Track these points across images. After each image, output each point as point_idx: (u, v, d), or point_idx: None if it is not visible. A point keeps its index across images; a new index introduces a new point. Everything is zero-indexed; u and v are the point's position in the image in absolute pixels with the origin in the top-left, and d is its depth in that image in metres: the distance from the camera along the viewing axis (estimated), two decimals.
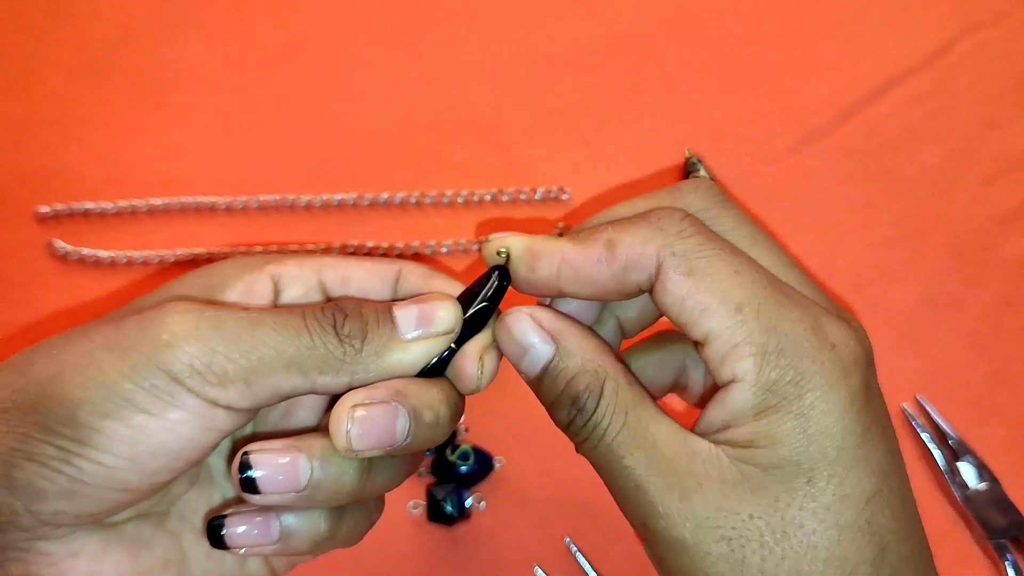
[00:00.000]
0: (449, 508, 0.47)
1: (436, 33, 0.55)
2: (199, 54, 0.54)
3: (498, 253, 0.30)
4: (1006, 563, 0.47)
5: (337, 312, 0.28)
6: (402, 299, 0.31)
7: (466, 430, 0.50)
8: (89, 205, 0.51)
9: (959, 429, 0.50)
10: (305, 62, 0.54)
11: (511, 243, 0.30)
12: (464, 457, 0.48)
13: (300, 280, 0.31)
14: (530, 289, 0.30)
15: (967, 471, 0.49)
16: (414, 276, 0.32)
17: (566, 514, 0.49)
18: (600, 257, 0.28)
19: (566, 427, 0.28)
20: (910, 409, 0.50)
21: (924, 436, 0.49)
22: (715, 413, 0.27)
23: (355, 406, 0.27)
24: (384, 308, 0.29)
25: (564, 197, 0.53)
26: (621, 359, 0.29)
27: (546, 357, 0.29)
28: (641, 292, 0.29)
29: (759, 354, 0.26)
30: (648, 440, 0.27)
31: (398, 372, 0.29)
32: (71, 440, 0.26)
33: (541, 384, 0.29)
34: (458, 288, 0.31)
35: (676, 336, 0.33)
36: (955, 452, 0.49)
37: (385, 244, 0.51)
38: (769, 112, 0.54)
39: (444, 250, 0.52)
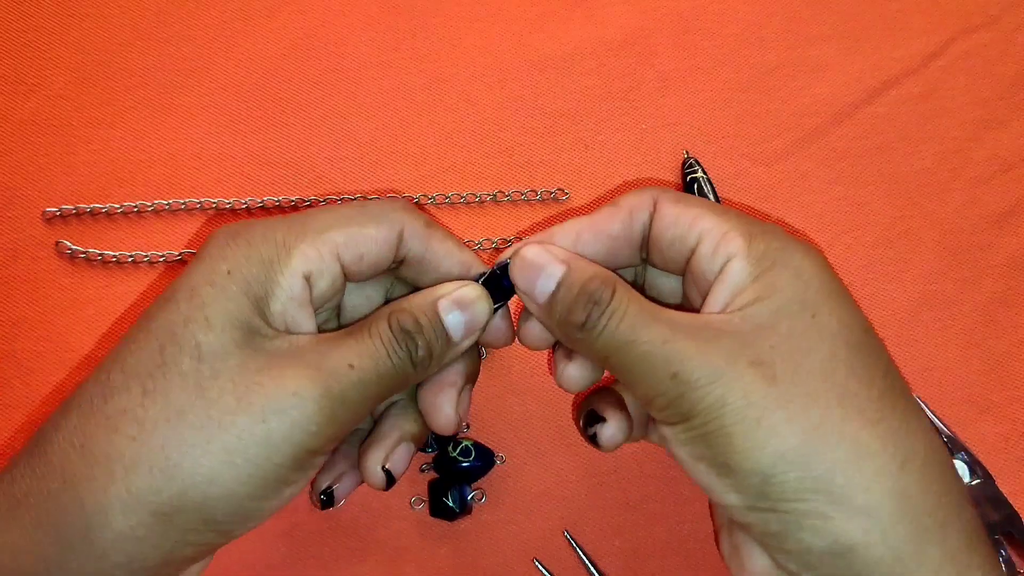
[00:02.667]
0: (451, 503, 0.47)
1: (437, 36, 0.55)
2: (206, 56, 0.55)
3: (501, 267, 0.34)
4: (999, 559, 0.48)
5: (410, 343, 0.31)
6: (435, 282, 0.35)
7: (467, 427, 0.51)
8: (96, 205, 0.52)
9: (953, 426, 0.50)
10: (309, 65, 0.55)
11: (528, 241, 0.34)
12: (465, 453, 0.48)
13: (326, 272, 0.32)
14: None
15: (961, 468, 0.49)
16: (415, 240, 0.34)
17: (565, 509, 0.50)
18: (609, 212, 0.33)
19: (582, 325, 0.30)
20: None
21: None
22: (717, 293, 0.31)
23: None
24: (438, 323, 0.32)
25: (564, 198, 0.54)
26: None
27: (559, 274, 0.32)
28: (643, 243, 0.34)
29: (745, 235, 0.31)
30: (665, 316, 0.30)
31: (452, 361, 0.34)
32: (234, 524, 0.29)
33: (554, 299, 0.31)
34: (450, 248, 0.35)
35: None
36: (949, 449, 0.50)
37: None
38: (765, 114, 0.55)
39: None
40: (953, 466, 0.30)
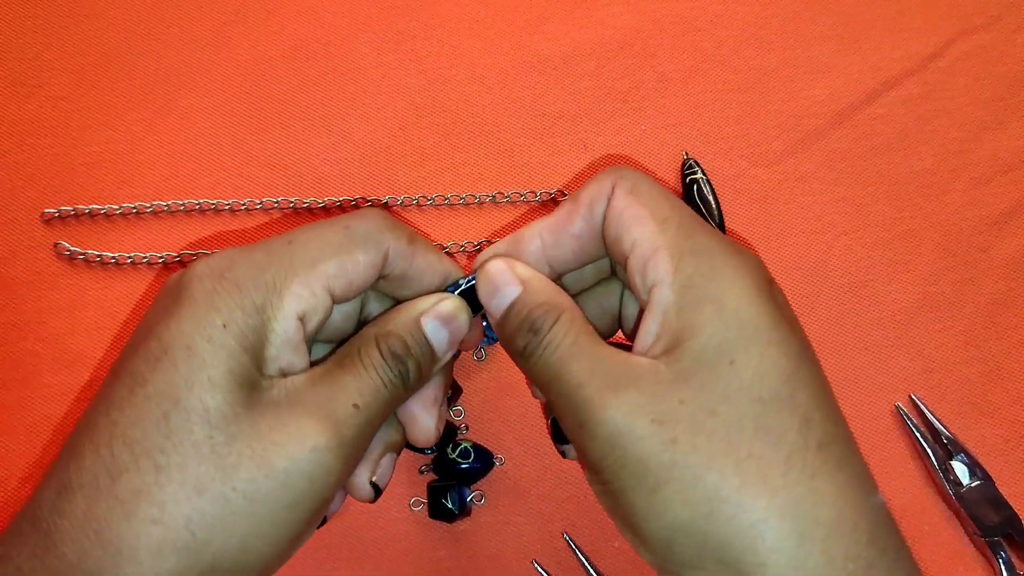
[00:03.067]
0: (450, 505, 0.47)
1: (437, 37, 0.55)
2: (205, 57, 0.55)
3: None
4: (999, 560, 0.48)
5: (401, 367, 0.31)
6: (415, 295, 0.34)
7: (466, 428, 0.51)
8: (95, 206, 0.52)
9: (952, 427, 0.50)
10: (309, 66, 0.55)
11: (496, 248, 0.34)
12: (464, 455, 0.48)
13: (319, 308, 0.31)
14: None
15: (960, 469, 0.49)
16: (399, 259, 0.33)
17: (564, 510, 0.50)
18: (569, 209, 0.32)
19: (520, 352, 0.31)
20: (904, 408, 0.51)
21: (917, 435, 0.50)
22: (647, 323, 0.29)
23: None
24: (423, 341, 0.32)
25: (563, 199, 0.54)
26: (579, 306, 0.32)
27: (513, 295, 0.31)
28: (599, 232, 0.32)
29: (675, 256, 0.29)
30: (592, 354, 0.29)
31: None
32: None
33: (507, 318, 0.31)
34: (432, 261, 0.35)
35: (615, 279, 0.36)
36: (948, 450, 0.50)
37: None
38: (764, 115, 0.55)
39: (444, 251, 0.52)
40: (880, 525, 0.27)
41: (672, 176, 0.54)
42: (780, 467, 0.26)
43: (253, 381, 0.29)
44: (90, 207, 0.52)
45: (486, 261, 0.33)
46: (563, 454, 0.36)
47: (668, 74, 0.55)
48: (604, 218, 0.32)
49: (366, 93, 0.55)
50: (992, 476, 0.49)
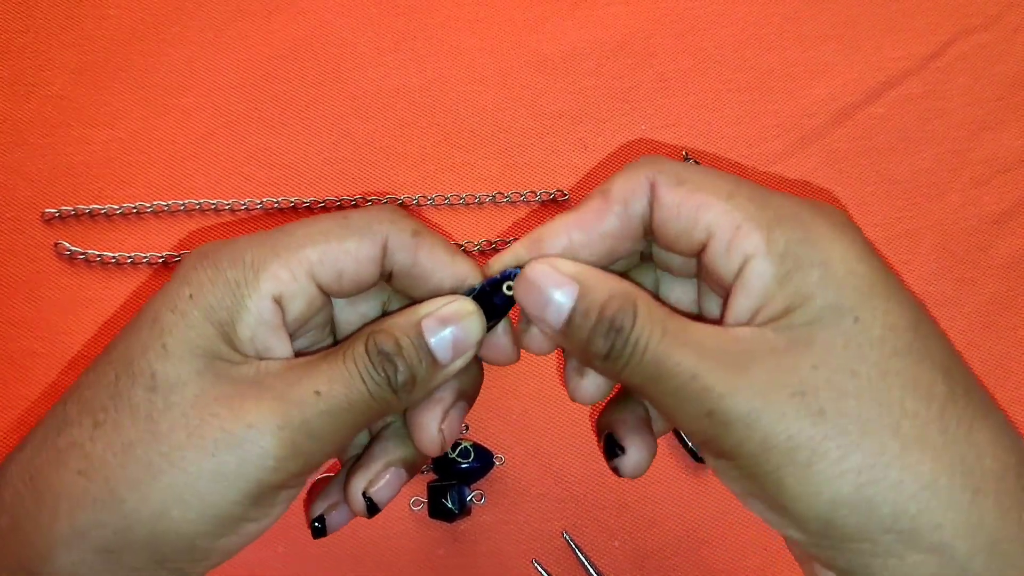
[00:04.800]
0: (450, 504, 0.47)
1: (437, 37, 0.55)
2: (204, 57, 0.55)
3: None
4: None
5: (388, 366, 0.29)
6: (418, 300, 0.31)
7: (466, 428, 0.51)
8: (95, 206, 0.52)
9: None
10: (308, 65, 0.55)
11: (515, 250, 0.31)
12: (464, 454, 0.48)
13: (300, 293, 0.30)
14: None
15: None
16: (401, 252, 0.31)
17: (564, 510, 0.50)
18: (599, 206, 0.29)
19: (605, 357, 0.27)
20: None
21: None
22: (740, 301, 0.27)
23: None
24: (421, 344, 0.29)
25: (563, 199, 0.54)
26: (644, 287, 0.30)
27: (571, 299, 0.28)
28: (645, 231, 0.30)
29: (763, 227, 0.27)
30: (692, 339, 0.27)
31: (442, 384, 0.31)
32: (187, 562, 0.27)
33: (570, 327, 0.28)
34: (441, 258, 0.32)
35: (642, 265, 0.33)
36: None
37: None
38: (764, 115, 0.55)
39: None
40: None
41: None
42: (936, 423, 0.25)
43: (217, 354, 0.28)
44: (90, 207, 0.52)
45: (524, 267, 0.30)
46: (616, 471, 0.32)
47: (668, 74, 0.55)
48: (651, 216, 0.29)
49: (366, 92, 0.55)
50: None
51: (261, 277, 0.29)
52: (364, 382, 0.28)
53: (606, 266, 0.31)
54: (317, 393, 0.28)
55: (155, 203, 0.52)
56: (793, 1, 0.56)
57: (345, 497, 0.33)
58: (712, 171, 0.29)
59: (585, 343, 0.28)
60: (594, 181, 0.54)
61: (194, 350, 0.28)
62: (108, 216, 0.52)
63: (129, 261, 0.52)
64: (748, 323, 0.27)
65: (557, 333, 0.29)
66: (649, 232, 0.30)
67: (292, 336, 0.31)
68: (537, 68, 0.55)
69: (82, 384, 0.28)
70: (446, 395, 0.32)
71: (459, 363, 0.30)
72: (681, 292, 0.33)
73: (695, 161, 0.53)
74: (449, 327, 0.30)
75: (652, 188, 0.29)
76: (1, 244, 0.52)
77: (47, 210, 0.52)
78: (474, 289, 0.31)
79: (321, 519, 0.33)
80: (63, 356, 0.51)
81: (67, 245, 0.51)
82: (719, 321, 0.29)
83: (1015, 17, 0.56)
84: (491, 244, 0.53)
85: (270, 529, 0.49)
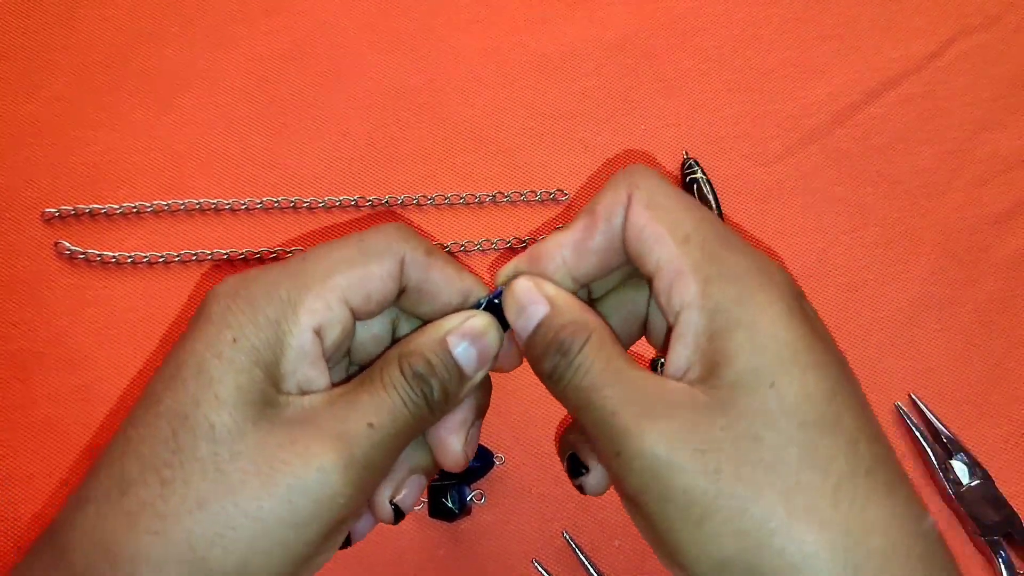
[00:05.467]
0: (450, 504, 0.47)
1: (436, 37, 0.55)
2: (205, 57, 0.55)
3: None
4: (999, 559, 0.48)
5: (425, 387, 0.30)
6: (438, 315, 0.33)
7: None
8: (95, 206, 0.52)
9: (952, 427, 0.50)
10: (309, 66, 0.55)
11: (515, 264, 0.33)
12: None
13: (337, 322, 0.31)
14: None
15: (960, 468, 0.49)
16: (415, 269, 0.32)
17: (564, 510, 0.50)
18: (587, 224, 0.31)
19: (549, 374, 0.30)
20: (904, 407, 0.51)
21: (917, 434, 0.50)
22: (676, 348, 0.28)
23: None
24: (449, 360, 0.31)
25: (563, 199, 0.54)
26: (607, 323, 0.31)
27: (541, 315, 0.30)
28: (621, 244, 0.31)
29: (700, 280, 0.28)
30: (626, 378, 0.28)
31: (468, 396, 0.33)
32: None
33: (534, 338, 0.30)
34: (450, 275, 0.33)
35: (640, 281, 0.34)
36: (948, 450, 0.50)
37: None
38: (764, 115, 0.55)
39: (445, 251, 0.52)
40: (932, 550, 0.26)
41: (672, 176, 0.54)
42: (829, 497, 0.26)
43: (267, 397, 0.28)
44: (90, 207, 0.52)
45: (511, 279, 0.32)
46: (580, 489, 0.34)
47: (668, 74, 0.55)
48: (624, 231, 0.30)
49: (366, 92, 0.55)
50: (992, 475, 0.49)
51: (300, 312, 0.30)
52: (406, 405, 0.30)
53: (602, 277, 0.32)
54: (370, 425, 0.29)
55: (155, 203, 0.52)
56: (793, 1, 0.56)
57: (371, 506, 0.33)
58: (685, 201, 0.30)
59: (538, 358, 0.30)
60: (594, 181, 0.54)
61: (246, 397, 0.28)
62: (108, 216, 0.52)
63: (129, 261, 0.52)
64: (682, 377, 0.28)
65: (524, 345, 0.31)
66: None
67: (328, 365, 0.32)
68: (537, 68, 0.55)
69: (133, 439, 0.28)
70: (466, 414, 0.33)
71: (480, 374, 0.32)
72: (663, 319, 0.34)
73: (695, 161, 0.53)
74: (472, 341, 0.31)
75: (628, 202, 0.30)
76: (1, 244, 0.52)
77: (47, 210, 0.52)
78: (481, 302, 0.33)
79: (395, 506, 0.34)
80: (63, 356, 0.50)
81: (67, 245, 0.51)
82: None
83: (1015, 17, 0.56)
84: (491, 244, 0.53)
85: None
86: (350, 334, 0.32)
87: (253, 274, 0.30)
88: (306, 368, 0.30)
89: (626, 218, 0.30)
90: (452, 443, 0.33)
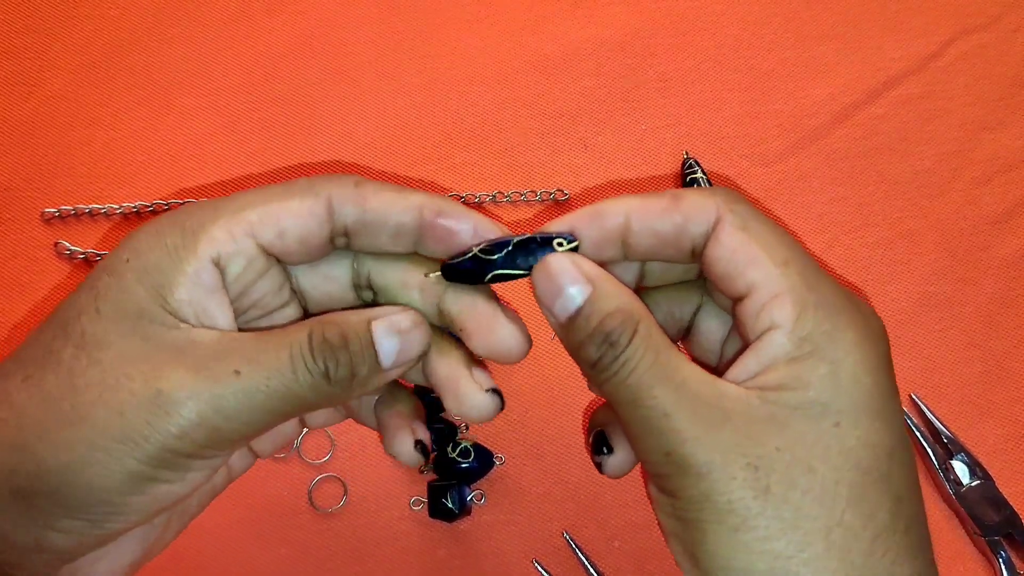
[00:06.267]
0: (450, 504, 0.47)
1: (437, 37, 0.55)
2: (205, 56, 0.55)
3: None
4: (999, 560, 0.48)
5: (328, 358, 0.29)
6: (369, 303, 0.32)
7: (466, 428, 0.51)
8: (95, 206, 0.52)
9: (953, 427, 0.50)
10: (309, 65, 0.55)
11: (571, 220, 0.31)
12: (465, 454, 0.48)
13: (240, 254, 0.30)
14: (597, 243, 0.31)
15: (961, 469, 0.49)
16: (346, 205, 0.31)
17: (565, 510, 0.50)
18: (665, 206, 0.30)
19: (592, 364, 0.28)
20: (904, 407, 0.51)
21: (918, 434, 0.50)
22: (748, 362, 0.28)
23: None
24: (367, 343, 0.30)
25: (563, 198, 0.54)
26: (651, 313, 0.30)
27: (581, 298, 0.29)
28: (693, 252, 0.30)
29: (798, 304, 0.28)
30: (678, 376, 0.28)
31: (379, 388, 0.31)
32: (99, 514, 0.28)
33: (573, 324, 0.29)
34: (390, 198, 0.31)
35: (694, 283, 0.33)
36: (949, 450, 0.50)
37: None
38: (765, 115, 0.55)
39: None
40: None
41: (672, 176, 0.54)
42: (866, 544, 0.26)
43: (149, 317, 0.28)
44: (90, 206, 0.52)
45: (547, 257, 0.30)
46: (599, 467, 0.33)
47: (668, 74, 0.55)
48: (705, 247, 0.30)
49: (366, 92, 0.55)
50: (992, 476, 0.49)
51: (199, 239, 0.29)
52: (295, 372, 0.28)
53: (645, 259, 0.31)
54: (236, 373, 0.28)
55: (155, 203, 0.52)
56: (793, 1, 0.56)
57: (397, 459, 0.33)
58: (777, 231, 0.29)
59: (579, 345, 0.29)
60: (594, 181, 0.54)
61: (125, 312, 0.28)
62: (108, 216, 0.52)
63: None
64: (742, 383, 0.28)
65: (560, 327, 0.29)
66: (699, 258, 0.30)
67: (239, 303, 0.31)
68: (537, 68, 0.55)
69: (24, 344, 0.29)
70: (460, 361, 0.32)
71: (397, 371, 0.31)
72: (717, 324, 0.33)
73: (695, 161, 0.53)
74: (397, 333, 0.30)
75: (716, 222, 0.29)
76: (1, 244, 0.52)
77: (47, 210, 0.52)
78: (504, 242, 0.31)
79: (421, 443, 0.34)
80: None
81: (67, 245, 0.51)
82: (719, 368, 0.30)
83: (1015, 17, 0.56)
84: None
85: (271, 530, 0.49)
86: (260, 272, 0.31)
87: (179, 209, 0.31)
88: (202, 298, 0.29)
89: (713, 237, 0.29)
90: (465, 387, 0.32)
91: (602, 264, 0.31)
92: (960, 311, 0.53)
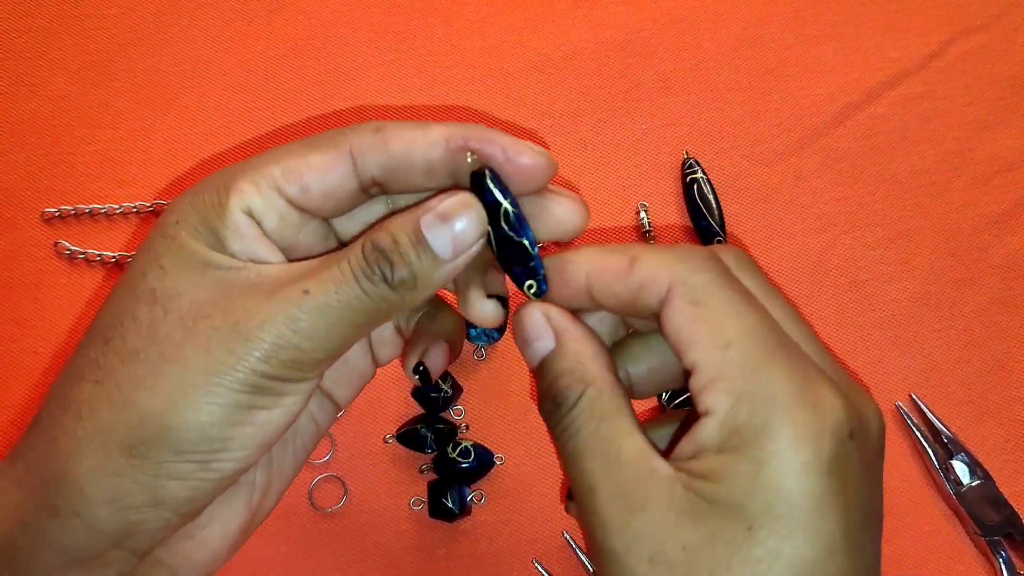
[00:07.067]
0: (450, 504, 0.47)
1: (437, 37, 0.55)
2: (205, 56, 0.55)
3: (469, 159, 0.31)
4: (999, 560, 0.48)
5: (383, 263, 0.29)
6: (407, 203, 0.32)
7: (466, 428, 0.51)
8: (95, 206, 0.52)
9: (953, 427, 0.50)
10: (310, 65, 0.55)
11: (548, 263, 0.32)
12: (465, 454, 0.48)
13: (271, 209, 0.31)
14: (564, 299, 0.31)
15: (960, 469, 0.49)
16: (370, 152, 0.32)
17: (564, 510, 0.50)
18: (621, 270, 0.29)
19: (546, 418, 0.29)
20: (904, 407, 0.51)
21: (918, 434, 0.50)
22: (685, 443, 0.27)
23: None
24: (417, 239, 0.29)
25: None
26: (614, 370, 0.30)
27: (545, 351, 0.30)
28: (654, 315, 0.29)
29: (732, 393, 0.26)
30: (612, 451, 0.27)
31: (447, 281, 0.31)
32: (207, 452, 0.28)
33: (538, 374, 0.30)
34: (412, 135, 0.32)
35: None
36: (949, 450, 0.50)
37: None
38: (765, 114, 0.55)
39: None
40: None
41: (672, 175, 0.54)
42: None
43: (213, 262, 0.29)
44: (90, 206, 0.52)
45: (523, 307, 0.31)
46: (568, 510, 0.34)
47: (668, 74, 0.55)
48: (660, 318, 0.29)
49: (367, 93, 0.55)
50: (992, 475, 0.49)
51: (230, 194, 0.31)
52: (358, 281, 0.29)
53: (620, 314, 0.32)
54: (305, 292, 0.28)
55: (156, 202, 0.52)
56: (793, 1, 0.56)
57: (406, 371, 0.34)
58: (737, 306, 0.28)
59: (540, 395, 0.30)
60: (595, 180, 0.54)
61: (190, 264, 0.29)
62: (108, 215, 0.52)
63: (129, 261, 0.52)
64: (678, 463, 0.27)
65: (531, 369, 0.31)
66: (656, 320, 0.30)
67: (290, 256, 0.32)
68: (537, 68, 0.55)
69: (97, 316, 0.31)
70: (473, 267, 0.32)
71: (462, 259, 0.30)
72: None
73: (695, 161, 0.53)
74: (446, 222, 0.29)
75: (668, 292, 0.28)
76: (1, 244, 0.52)
77: (47, 210, 0.52)
78: (481, 173, 0.30)
79: (420, 367, 0.34)
80: (63, 355, 0.51)
81: (67, 245, 0.51)
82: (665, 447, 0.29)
83: (1015, 17, 0.56)
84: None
85: (271, 530, 0.49)
86: (295, 225, 0.31)
87: (215, 172, 0.32)
88: (252, 245, 0.30)
89: (664, 306, 0.28)
90: (476, 301, 0.32)
91: (579, 311, 0.31)
92: (960, 311, 0.53)
